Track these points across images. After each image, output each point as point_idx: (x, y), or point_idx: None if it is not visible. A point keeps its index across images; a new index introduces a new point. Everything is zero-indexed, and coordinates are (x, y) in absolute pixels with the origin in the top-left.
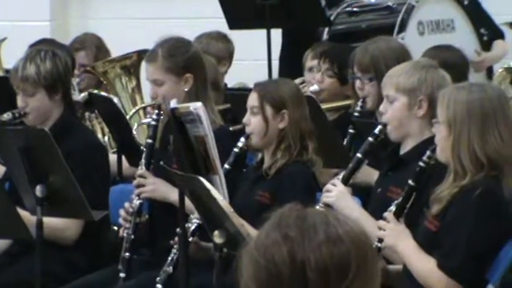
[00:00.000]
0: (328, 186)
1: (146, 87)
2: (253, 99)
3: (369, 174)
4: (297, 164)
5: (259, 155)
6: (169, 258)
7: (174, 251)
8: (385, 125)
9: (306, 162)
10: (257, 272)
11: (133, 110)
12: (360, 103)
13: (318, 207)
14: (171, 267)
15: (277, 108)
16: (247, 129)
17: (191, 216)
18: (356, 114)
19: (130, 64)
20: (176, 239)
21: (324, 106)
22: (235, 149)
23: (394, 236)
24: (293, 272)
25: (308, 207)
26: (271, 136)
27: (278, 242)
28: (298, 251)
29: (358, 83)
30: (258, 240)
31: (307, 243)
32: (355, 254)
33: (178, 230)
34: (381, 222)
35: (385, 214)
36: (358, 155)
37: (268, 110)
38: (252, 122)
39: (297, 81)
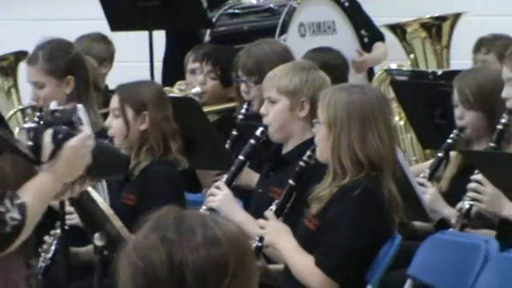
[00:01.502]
0: (213, 190)
1: (27, 88)
2: (114, 102)
3: (250, 177)
4: (160, 163)
5: None
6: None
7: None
8: (266, 127)
9: (171, 162)
10: (134, 275)
11: (11, 112)
12: (245, 106)
13: (202, 210)
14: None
15: (137, 110)
16: (110, 132)
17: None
18: (241, 117)
19: (7, 65)
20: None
21: (206, 109)
22: None
23: (275, 234)
24: (171, 274)
25: (175, 206)
26: (133, 138)
27: (156, 245)
28: (176, 253)
29: (243, 86)
30: (136, 242)
31: (186, 245)
32: (233, 255)
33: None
34: (261, 221)
35: (266, 213)
36: (241, 157)
37: (129, 112)
38: (114, 124)
39: (182, 83)
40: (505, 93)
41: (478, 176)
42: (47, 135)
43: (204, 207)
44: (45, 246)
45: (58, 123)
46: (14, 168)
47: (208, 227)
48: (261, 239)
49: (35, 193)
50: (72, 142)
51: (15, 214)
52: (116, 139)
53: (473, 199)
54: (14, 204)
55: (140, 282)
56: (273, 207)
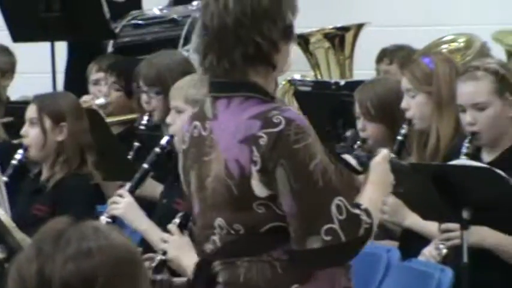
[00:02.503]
0: (115, 198)
1: None
2: (32, 111)
3: (154, 188)
4: (75, 177)
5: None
6: None
7: None
8: (172, 136)
9: (85, 175)
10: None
11: None
12: (146, 117)
13: (104, 218)
14: None
15: (56, 121)
16: (25, 141)
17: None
18: (142, 127)
19: None
20: None
21: (109, 119)
22: (14, 161)
23: (178, 249)
24: None
25: (86, 220)
26: (50, 148)
27: (30, 258)
28: (47, 267)
29: (144, 97)
30: (18, 255)
31: (58, 258)
32: (104, 268)
33: None
34: (165, 235)
35: (169, 226)
36: (145, 165)
37: (47, 122)
38: (31, 134)
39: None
40: (404, 104)
41: None
42: None
43: (105, 215)
44: None
45: None
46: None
47: (85, 239)
48: (165, 253)
49: (369, 202)
50: (377, 158)
51: (366, 218)
52: (31, 149)
53: None
54: (361, 209)
55: None
56: (177, 219)
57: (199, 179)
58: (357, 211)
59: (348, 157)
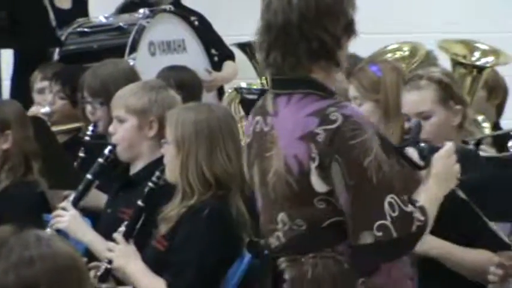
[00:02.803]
0: (59, 211)
1: None
2: None
3: (98, 198)
4: (21, 185)
5: None
6: None
7: None
8: (115, 146)
9: (31, 183)
10: None
11: None
12: (91, 127)
13: (48, 231)
14: None
15: (0, 129)
16: None
17: None
18: (87, 138)
19: None
20: None
21: (54, 128)
22: None
23: (123, 258)
24: None
25: (32, 228)
26: None
27: None
28: None
29: (89, 107)
30: None
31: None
32: (46, 276)
33: None
34: (110, 244)
35: (115, 235)
36: (88, 176)
37: None
38: None
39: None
40: None
41: None
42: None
43: (49, 228)
44: None
45: None
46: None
47: (27, 248)
48: (110, 262)
49: (427, 198)
50: (441, 152)
51: (419, 215)
52: None
53: None
54: (415, 206)
55: None
56: (122, 228)
57: (261, 174)
58: (410, 209)
59: (411, 150)
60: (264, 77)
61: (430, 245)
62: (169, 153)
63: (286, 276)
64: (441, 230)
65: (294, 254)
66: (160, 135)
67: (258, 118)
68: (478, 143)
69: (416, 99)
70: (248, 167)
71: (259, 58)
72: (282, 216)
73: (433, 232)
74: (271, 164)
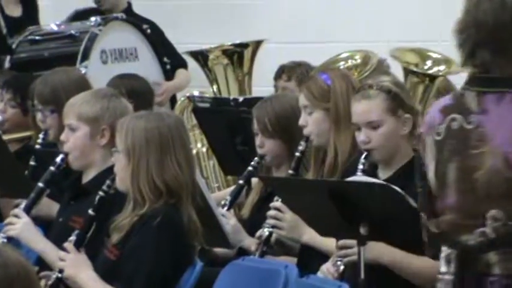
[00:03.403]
0: (11, 219)
1: None
2: None
3: (50, 206)
4: None
5: None
6: None
7: None
8: (67, 154)
9: None
10: None
11: None
12: (41, 135)
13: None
14: None
15: None
16: None
17: None
18: (38, 146)
19: None
20: None
21: (5, 137)
22: None
23: (74, 267)
24: None
25: None
26: None
27: None
28: None
29: (39, 115)
30: None
31: None
32: None
33: None
34: (61, 253)
35: (66, 244)
36: (40, 184)
37: None
38: None
39: None
40: (301, 121)
41: (277, 203)
42: None
43: (1, 235)
44: None
45: None
46: None
47: None
48: (61, 271)
49: None
50: None
51: None
52: None
53: (273, 226)
54: None
55: None
56: (73, 237)
57: (462, 171)
58: None
59: None
60: (215, 85)
61: (381, 252)
62: (119, 161)
63: (497, 271)
64: (392, 237)
65: (509, 248)
66: (112, 143)
67: (455, 116)
68: None
69: (365, 109)
70: (437, 164)
71: (461, 54)
72: (494, 212)
73: (382, 239)
74: (480, 161)
